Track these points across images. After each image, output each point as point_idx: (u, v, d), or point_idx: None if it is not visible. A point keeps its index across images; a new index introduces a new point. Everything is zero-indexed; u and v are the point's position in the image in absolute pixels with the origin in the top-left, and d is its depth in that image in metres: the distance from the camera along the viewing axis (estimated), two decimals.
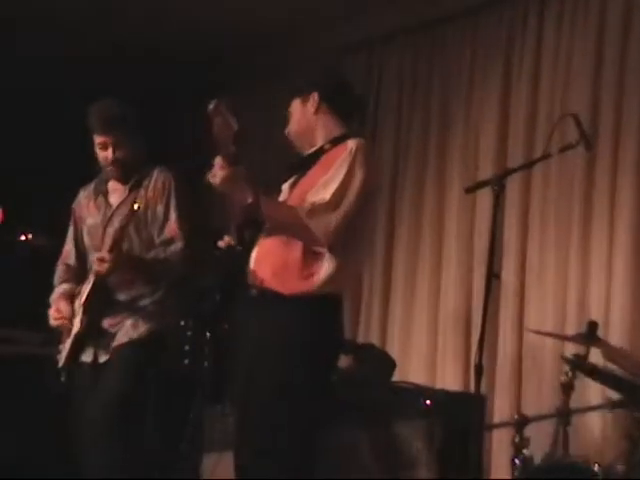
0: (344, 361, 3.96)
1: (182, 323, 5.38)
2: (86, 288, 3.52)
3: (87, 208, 3.70)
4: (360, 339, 5.04)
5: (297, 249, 2.82)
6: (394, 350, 4.79)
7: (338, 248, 2.82)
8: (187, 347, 5.34)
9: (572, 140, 3.29)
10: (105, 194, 3.65)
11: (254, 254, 2.90)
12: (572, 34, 4.46)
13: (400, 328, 5.03)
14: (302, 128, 3.00)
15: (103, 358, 3.53)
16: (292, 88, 3.07)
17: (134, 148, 3.58)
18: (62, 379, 3.52)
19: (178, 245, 3.51)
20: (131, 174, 3.58)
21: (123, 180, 3.61)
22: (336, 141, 2.95)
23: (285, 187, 2.98)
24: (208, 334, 5.24)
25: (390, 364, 4.33)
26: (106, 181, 3.67)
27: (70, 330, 3.53)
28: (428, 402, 3.90)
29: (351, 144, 2.86)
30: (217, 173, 2.72)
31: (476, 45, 4.92)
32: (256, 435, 2.78)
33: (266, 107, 5.87)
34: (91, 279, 3.51)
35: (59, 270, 3.73)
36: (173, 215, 3.53)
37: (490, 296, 3.26)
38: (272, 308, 2.82)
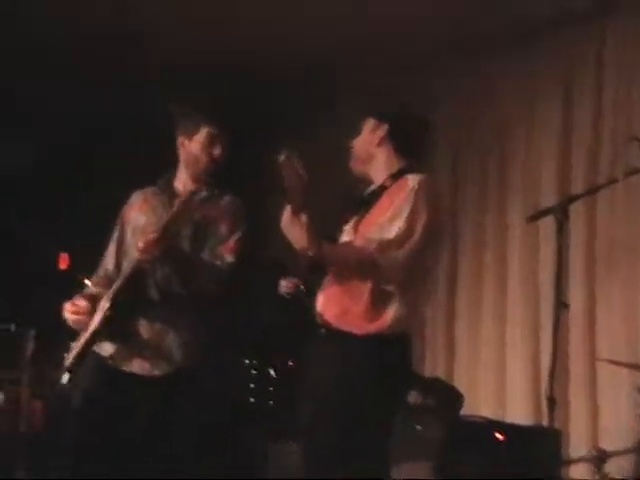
0: (412, 396, 3.91)
1: (247, 362, 5.42)
2: (118, 282, 3.25)
3: (139, 207, 3.44)
4: (426, 373, 4.97)
5: (366, 289, 2.81)
6: (461, 383, 4.70)
7: (406, 286, 2.82)
8: (252, 385, 5.38)
9: (638, 164, 3.21)
10: (170, 195, 3.38)
11: (321, 295, 2.90)
12: (635, 56, 4.39)
13: (466, 361, 4.96)
14: (363, 152, 3.00)
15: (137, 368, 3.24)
16: (373, 108, 3.05)
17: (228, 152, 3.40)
18: (64, 380, 3.16)
19: (228, 259, 3.30)
20: (214, 179, 3.38)
21: (205, 181, 3.37)
22: (396, 176, 2.94)
23: (348, 227, 2.95)
24: (273, 372, 5.27)
25: (458, 397, 4.25)
26: (171, 181, 3.43)
27: (86, 328, 3.21)
28: (500, 436, 3.81)
29: (412, 181, 2.84)
30: (284, 222, 2.74)
31: (536, 67, 4.87)
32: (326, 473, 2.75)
33: (314, 138, 5.88)
34: (125, 272, 3.24)
35: (95, 276, 3.46)
36: (235, 237, 3.35)
37: (559, 326, 3.18)
38: (342, 348, 2.81)
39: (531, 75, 4.89)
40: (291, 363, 4.56)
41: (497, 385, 4.77)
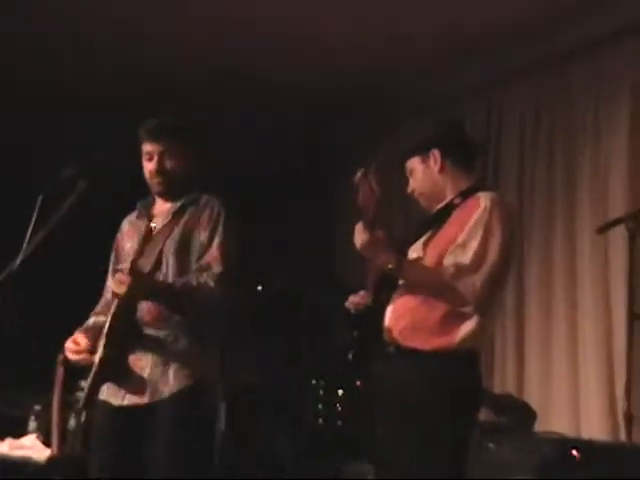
0: (483, 413, 3.84)
1: (314, 382, 5.40)
2: (107, 320, 3.11)
3: (126, 233, 3.35)
4: (496, 390, 4.88)
5: (438, 307, 2.79)
6: (533, 400, 4.61)
7: (482, 306, 2.79)
8: (320, 406, 5.36)
9: None
10: (149, 217, 3.30)
11: (390, 311, 2.87)
12: None
13: (538, 376, 4.87)
14: (429, 188, 2.94)
15: (130, 401, 3.10)
16: (409, 147, 3.01)
17: (184, 163, 3.24)
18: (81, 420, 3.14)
19: (214, 270, 3.11)
20: (177, 193, 3.25)
21: (168, 197, 3.28)
22: (466, 194, 2.90)
23: (418, 245, 2.92)
24: (341, 392, 5.24)
25: (531, 414, 4.16)
26: (151, 204, 3.34)
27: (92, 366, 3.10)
28: (575, 453, 3.71)
29: (485, 201, 2.80)
30: (358, 238, 2.73)
31: (601, 80, 4.79)
32: None
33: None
34: (112, 309, 3.11)
35: (98, 306, 3.37)
36: (216, 241, 3.17)
37: (632, 337, 3.10)
38: (412, 364, 2.78)
39: (597, 89, 4.82)
40: (359, 382, 4.52)
41: (570, 399, 4.66)
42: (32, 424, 4.82)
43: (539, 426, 4.19)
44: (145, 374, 3.08)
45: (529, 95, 5.21)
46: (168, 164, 3.21)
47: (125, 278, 3.00)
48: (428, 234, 2.90)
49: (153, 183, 3.26)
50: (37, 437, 4.69)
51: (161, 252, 3.15)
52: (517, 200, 5.11)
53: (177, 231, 3.19)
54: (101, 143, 5.46)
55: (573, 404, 4.65)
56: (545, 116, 5.10)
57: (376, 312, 2.88)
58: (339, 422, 5.24)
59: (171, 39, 5.24)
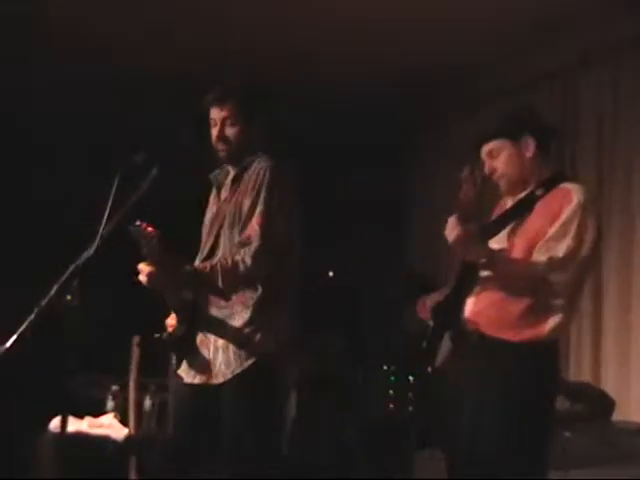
0: (559, 401, 3.78)
1: (385, 368, 5.38)
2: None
3: (211, 201, 3.30)
4: (572, 379, 4.81)
5: (525, 299, 2.78)
6: (609, 389, 4.52)
7: (571, 298, 2.82)
8: (391, 392, 5.34)
9: None
10: (218, 188, 3.24)
11: (473, 303, 2.86)
12: None
13: (615, 365, 4.78)
14: (516, 173, 2.90)
15: (200, 380, 3.10)
16: (495, 129, 2.95)
17: (246, 130, 3.14)
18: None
19: (252, 247, 2.96)
20: (240, 160, 3.14)
21: (233, 164, 3.17)
22: (548, 185, 2.87)
23: (502, 236, 2.89)
24: (411, 379, 5.22)
25: (609, 403, 4.09)
26: (222, 173, 3.25)
27: None
28: None
29: (577, 195, 2.78)
30: (451, 232, 2.73)
31: None
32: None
33: (456, 146, 5.82)
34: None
35: None
36: (258, 210, 3.01)
37: None
38: (497, 354, 2.77)
39: None
40: (429, 369, 4.50)
41: None
42: (110, 404, 4.92)
43: (617, 415, 4.12)
44: (208, 355, 3.08)
45: (608, 79, 5.09)
46: (230, 130, 3.14)
47: (147, 269, 2.95)
48: (511, 225, 2.87)
49: (217, 149, 3.18)
50: (114, 416, 4.79)
51: (221, 226, 3.11)
52: (596, 187, 5.01)
53: (232, 202, 3.13)
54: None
55: None
56: (622, 100, 4.98)
57: (455, 303, 2.87)
58: (410, 408, 5.22)
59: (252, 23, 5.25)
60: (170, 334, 3.14)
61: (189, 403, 3.12)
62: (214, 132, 3.17)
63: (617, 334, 4.81)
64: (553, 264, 2.72)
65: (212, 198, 3.30)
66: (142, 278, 2.97)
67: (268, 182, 3.03)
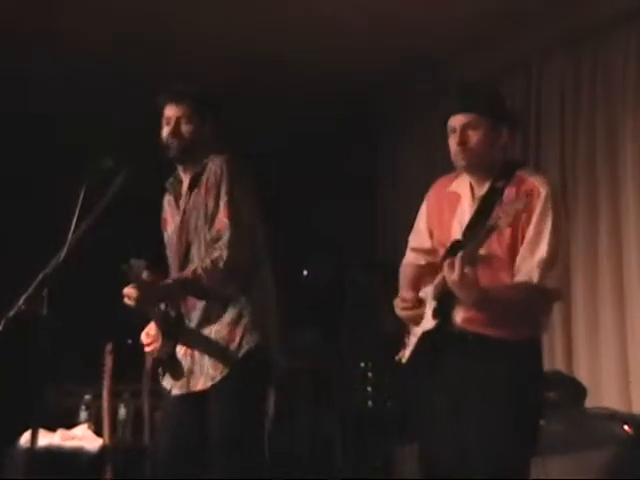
0: None
1: (362, 365, 5.38)
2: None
3: (168, 212, 3.28)
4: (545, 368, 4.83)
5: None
6: (581, 377, 4.56)
7: (564, 294, 2.93)
8: (369, 388, 5.35)
9: None
10: (177, 194, 3.22)
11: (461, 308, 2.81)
12: None
13: (586, 353, 4.82)
14: (487, 155, 2.86)
15: (181, 390, 3.12)
16: (484, 108, 2.85)
17: (200, 130, 3.15)
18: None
19: (225, 238, 2.98)
20: (193, 162, 3.15)
21: (185, 166, 3.19)
22: (507, 174, 2.84)
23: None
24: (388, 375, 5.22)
25: (580, 390, 4.13)
26: (178, 181, 3.24)
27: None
28: (627, 428, 3.67)
29: (543, 188, 2.76)
30: (449, 274, 2.64)
31: None
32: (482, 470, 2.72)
33: (424, 139, 5.84)
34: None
35: None
36: (222, 203, 3.03)
37: None
38: (493, 353, 2.75)
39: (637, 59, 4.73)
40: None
41: (619, 375, 4.60)
42: (83, 414, 4.86)
43: (589, 402, 4.15)
44: (193, 362, 3.09)
45: (569, 68, 5.13)
46: (184, 128, 3.15)
47: (132, 292, 2.95)
48: (482, 225, 2.74)
49: (168, 145, 3.17)
50: (88, 427, 4.73)
51: (188, 236, 3.12)
52: (559, 175, 5.05)
53: (195, 208, 3.13)
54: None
55: (623, 379, 4.59)
56: (584, 89, 5.03)
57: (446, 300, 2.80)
58: (387, 404, 5.22)
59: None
60: (156, 357, 3.13)
61: (179, 413, 3.12)
62: (166, 129, 3.17)
63: (587, 323, 4.84)
64: (544, 266, 2.71)
65: (169, 210, 3.27)
66: (128, 302, 2.97)
67: (227, 175, 3.07)
